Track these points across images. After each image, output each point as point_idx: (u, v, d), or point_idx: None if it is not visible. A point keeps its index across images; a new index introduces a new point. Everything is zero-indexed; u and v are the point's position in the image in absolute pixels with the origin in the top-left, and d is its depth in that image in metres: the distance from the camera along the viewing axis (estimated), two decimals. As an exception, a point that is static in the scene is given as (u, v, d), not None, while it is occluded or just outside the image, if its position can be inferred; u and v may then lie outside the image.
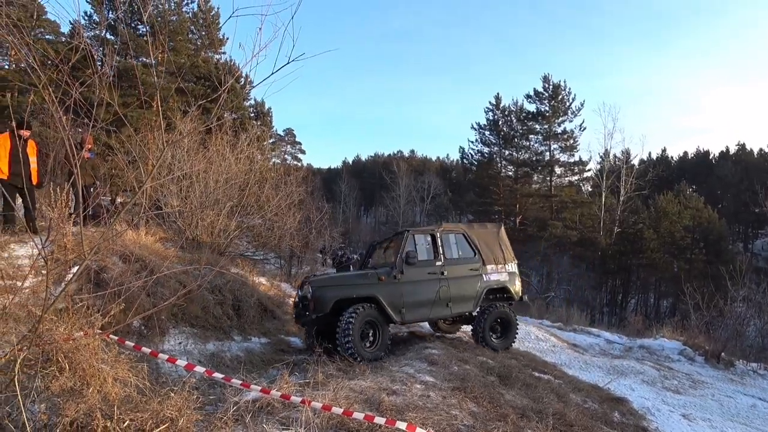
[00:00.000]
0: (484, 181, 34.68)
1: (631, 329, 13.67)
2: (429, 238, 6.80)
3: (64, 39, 24.37)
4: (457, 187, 42.98)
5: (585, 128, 32.42)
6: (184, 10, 28.56)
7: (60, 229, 5.18)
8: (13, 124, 6.17)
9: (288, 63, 2.28)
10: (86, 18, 26.37)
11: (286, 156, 48.27)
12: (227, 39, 28.80)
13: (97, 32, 26.38)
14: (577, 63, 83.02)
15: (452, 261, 6.83)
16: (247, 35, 2.48)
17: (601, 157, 31.90)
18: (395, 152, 65.27)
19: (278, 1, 2.28)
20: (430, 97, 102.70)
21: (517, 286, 7.45)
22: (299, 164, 45.79)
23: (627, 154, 31.14)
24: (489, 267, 7.12)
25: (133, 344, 2.98)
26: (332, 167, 65.92)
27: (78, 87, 2.26)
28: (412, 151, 67.15)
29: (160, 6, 19.27)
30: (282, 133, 49.29)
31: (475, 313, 7.07)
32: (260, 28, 2.30)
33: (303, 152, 53.87)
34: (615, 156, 32.30)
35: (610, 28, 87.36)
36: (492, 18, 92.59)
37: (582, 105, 32.22)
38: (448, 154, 71.32)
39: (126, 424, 1.95)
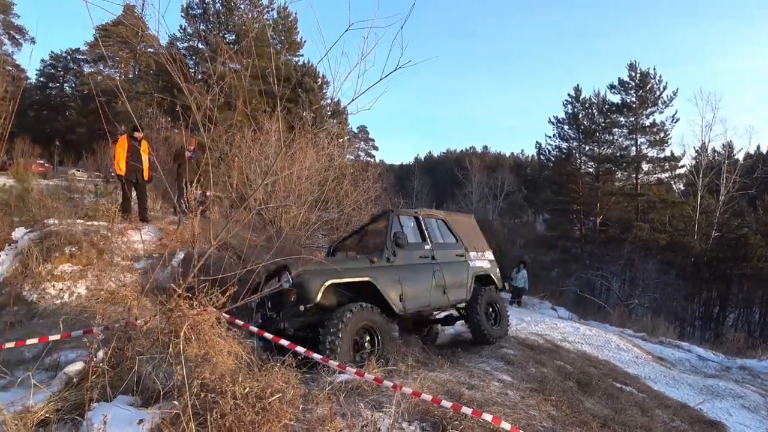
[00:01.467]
0: (562, 178, 32.83)
1: (730, 347, 12.35)
2: (413, 222, 6.35)
3: (163, 52, 27.13)
4: (532, 184, 41.31)
5: (678, 120, 29.22)
6: (265, 17, 30.55)
7: (188, 219, 5.98)
8: (124, 127, 7.15)
9: (396, 69, 2.44)
10: (181, 31, 29.28)
11: (359, 152, 49.60)
12: (304, 42, 30.28)
13: (191, 43, 29.20)
14: (670, 48, 75.45)
15: (439, 245, 6.40)
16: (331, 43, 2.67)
17: (697, 151, 28.76)
18: (467, 148, 63.88)
19: (382, 14, 2.44)
20: (504, 90, 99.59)
21: (498, 274, 7.22)
22: (372, 160, 46.77)
23: (729, 147, 27.86)
24: (472, 254, 6.86)
25: (242, 323, 3.37)
26: (404, 163, 66.46)
27: (206, 95, 2.60)
28: (485, 147, 65.35)
29: (245, 16, 20.83)
30: (356, 130, 50.74)
31: (463, 305, 6.61)
32: (365, 38, 2.48)
33: (376, 149, 55.10)
34: (714, 150, 29.00)
35: (706, 7, 77.98)
36: (568, 6, 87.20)
37: (675, 94, 29.03)
38: (522, 150, 68.83)
39: (246, 390, 2.26)
